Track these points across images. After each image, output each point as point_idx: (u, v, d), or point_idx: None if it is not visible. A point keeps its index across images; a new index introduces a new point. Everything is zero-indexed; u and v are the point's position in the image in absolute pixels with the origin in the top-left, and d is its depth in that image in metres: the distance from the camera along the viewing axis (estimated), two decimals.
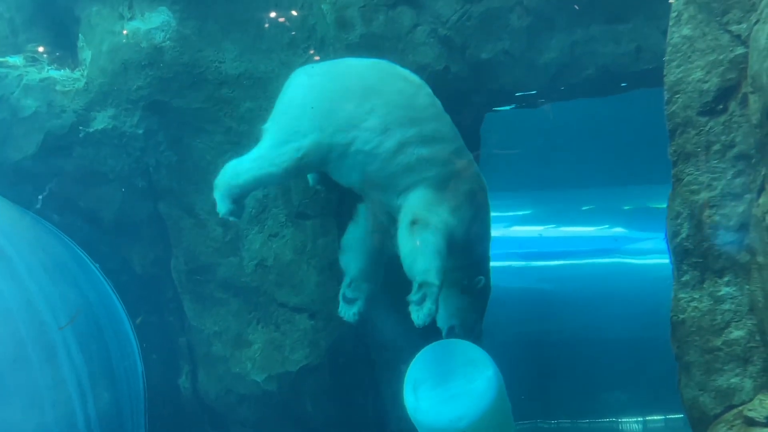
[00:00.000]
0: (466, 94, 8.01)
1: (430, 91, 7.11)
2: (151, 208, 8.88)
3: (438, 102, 7.08)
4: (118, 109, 8.57)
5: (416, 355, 6.83)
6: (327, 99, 7.03)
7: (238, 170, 7.16)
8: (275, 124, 7.23)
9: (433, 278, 6.45)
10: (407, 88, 7.06)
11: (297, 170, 7.17)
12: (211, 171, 8.47)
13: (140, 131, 8.59)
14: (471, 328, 7.20)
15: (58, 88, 8.68)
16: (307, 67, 7.53)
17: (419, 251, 6.59)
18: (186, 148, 8.59)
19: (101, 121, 8.62)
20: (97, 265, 8.63)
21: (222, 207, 7.21)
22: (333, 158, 6.98)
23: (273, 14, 8.33)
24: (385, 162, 6.85)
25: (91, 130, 8.64)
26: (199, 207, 8.65)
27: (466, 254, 7.01)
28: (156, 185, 8.79)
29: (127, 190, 8.81)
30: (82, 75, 8.71)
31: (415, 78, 7.18)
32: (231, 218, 7.31)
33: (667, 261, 5.85)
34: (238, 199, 7.21)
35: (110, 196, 8.85)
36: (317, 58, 7.99)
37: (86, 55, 8.71)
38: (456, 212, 6.79)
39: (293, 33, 8.28)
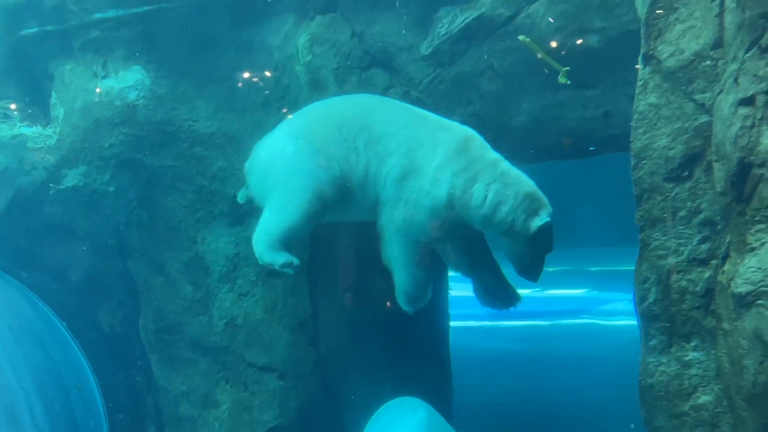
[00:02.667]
0: None
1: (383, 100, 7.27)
2: (121, 266, 8.83)
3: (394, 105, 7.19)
4: (89, 166, 8.56)
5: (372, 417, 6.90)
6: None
7: (268, 229, 7.10)
8: (279, 188, 7.21)
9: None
10: (361, 104, 7.21)
11: (318, 211, 7.11)
12: (183, 229, 8.50)
13: (111, 189, 8.57)
14: (528, 270, 7.01)
15: (29, 144, 8.67)
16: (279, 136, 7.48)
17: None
18: (157, 206, 8.58)
19: (72, 178, 8.60)
20: (64, 324, 8.53)
21: (279, 259, 6.96)
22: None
23: (247, 74, 8.41)
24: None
25: (61, 187, 8.61)
26: (169, 265, 8.61)
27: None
28: (126, 243, 8.75)
29: (97, 248, 8.77)
30: (54, 132, 8.71)
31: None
32: (289, 270, 7.03)
33: (635, 322, 5.89)
34: (286, 248, 7.06)
35: (79, 254, 8.80)
36: (290, 116, 8.03)
37: (59, 112, 8.72)
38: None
39: (267, 92, 8.34)
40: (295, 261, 6.96)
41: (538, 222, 6.54)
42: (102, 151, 8.49)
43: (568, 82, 6.93)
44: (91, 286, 8.90)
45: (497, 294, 7.33)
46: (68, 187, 8.62)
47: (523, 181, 6.68)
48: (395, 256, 6.97)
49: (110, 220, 8.68)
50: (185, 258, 8.56)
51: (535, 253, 6.75)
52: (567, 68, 6.91)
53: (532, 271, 6.87)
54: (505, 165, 6.76)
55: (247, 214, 8.41)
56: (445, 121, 7.07)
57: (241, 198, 7.83)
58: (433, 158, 6.78)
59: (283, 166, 7.10)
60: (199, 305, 8.56)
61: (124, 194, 8.58)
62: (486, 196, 6.61)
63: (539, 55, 7.08)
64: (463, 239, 7.09)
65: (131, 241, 8.72)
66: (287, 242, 7.04)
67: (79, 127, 8.54)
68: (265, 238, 7.04)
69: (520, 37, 7.10)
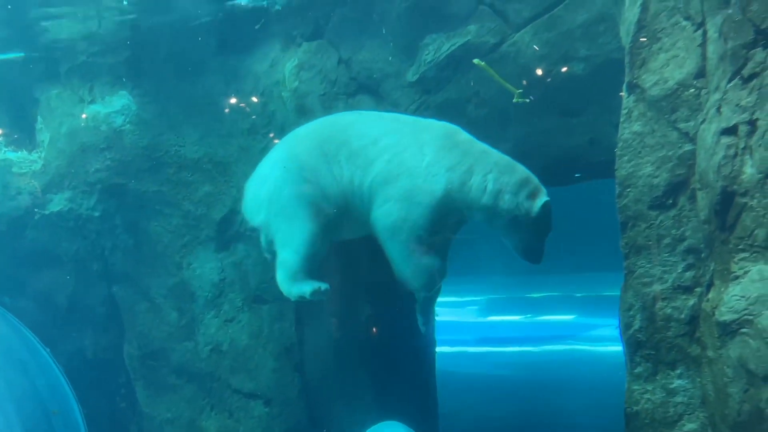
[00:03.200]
0: None
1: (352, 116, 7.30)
2: (105, 291, 8.79)
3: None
4: (74, 191, 8.54)
5: None
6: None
7: (286, 266, 7.05)
8: (279, 222, 7.20)
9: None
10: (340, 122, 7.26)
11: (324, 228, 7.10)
12: (168, 254, 8.48)
13: (97, 214, 8.55)
14: (533, 253, 6.99)
15: (14, 170, 8.65)
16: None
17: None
18: (143, 232, 8.57)
19: (57, 203, 8.59)
20: (48, 350, 8.46)
21: (306, 289, 6.96)
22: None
23: (233, 100, 8.42)
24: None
25: (46, 212, 8.59)
26: (154, 291, 8.58)
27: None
28: (111, 269, 8.72)
29: (81, 274, 8.73)
30: (39, 157, 8.70)
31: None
32: (322, 297, 7.03)
33: (621, 348, 5.89)
34: (310, 275, 7.05)
35: (64, 280, 8.76)
36: (276, 141, 8.06)
37: (44, 137, 8.71)
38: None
39: (253, 118, 8.36)
40: (323, 286, 6.95)
41: (539, 202, 6.63)
42: (87, 176, 8.48)
43: (527, 101, 6.91)
44: (75, 311, 8.84)
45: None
46: (53, 213, 8.60)
47: (516, 167, 6.75)
48: (396, 253, 6.89)
49: (95, 245, 8.65)
50: (170, 283, 8.54)
51: (538, 235, 6.81)
52: (520, 90, 6.89)
53: (536, 254, 6.92)
54: (495, 154, 6.82)
55: (233, 239, 8.40)
56: (422, 121, 7.10)
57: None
58: (422, 157, 6.78)
59: (275, 199, 7.10)
60: (185, 331, 8.52)
61: (110, 219, 8.56)
62: (486, 187, 6.66)
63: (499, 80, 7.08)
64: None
65: (116, 267, 8.69)
66: (308, 269, 7.03)
67: (65, 152, 8.53)
68: (285, 276, 7.05)
69: (475, 61, 7.12)
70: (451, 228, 7.04)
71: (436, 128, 6.98)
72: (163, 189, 8.44)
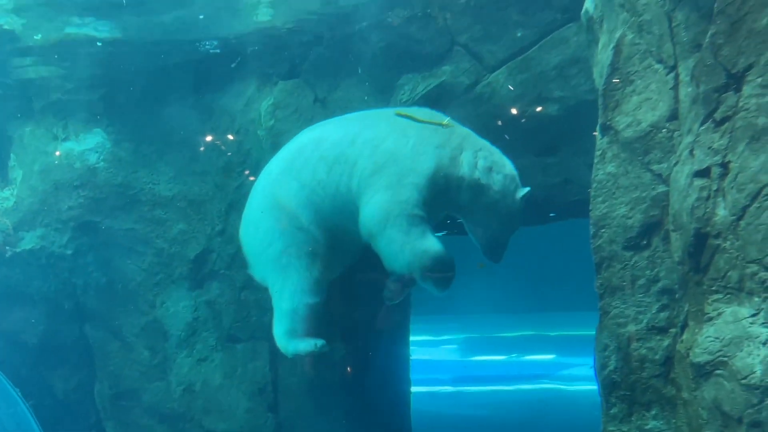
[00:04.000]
0: None
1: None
2: (77, 330, 8.70)
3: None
4: (47, 229, 8.49)
5: None
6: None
7: (281, 319, 7.01)
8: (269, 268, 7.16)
9: None
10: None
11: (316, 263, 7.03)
12: (141, 293, 8.41)
13: (69, 252, 8.48)
14: (496, 249, 7.03)
15: None
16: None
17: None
18: (115, 270, 8.50)
19: (29, 241, 8.52)
20: (17, 390, 8.31)
21: (304, 347, 6.94)
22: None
23: (209, 138, 8.41)
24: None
25: (18, 250, 8.51)
26: (126, 330, 8.50)
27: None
28: (83, 307, 8.64)
29: (53, 312, 8.64)
30: (11, 194, 8.63)
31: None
32: (320, 350, 6.96)
33: (596, 388, 5.87)
34: (308, 326, 6.96)
35: (35, 318, 8.67)
36: (252, 178, 8.03)
37: (17, 174, 8.65)
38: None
39: (229, 155, 8.35)
40: (319, 342, 6.89)
41: (523, 191, 6.71)
42: (60, 213, 8.42)
43: (451, 125, 6.80)
44: (46, 350, 8.73)
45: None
46: (25, 250, 8.52)
47: (495, 148, 6.81)
48: (391, 243, 6.63)
49: (67, 283, 8.57)
50: (143, 322, 8.46)
51: (509, 228, 6.86)
52: (447, 120, 6.83)
53: (499, 250, 6.96)
54: (473, 134, 6.82)
55: (207, 277, 8.36)
56: (396, 109, 7.04)
57: None
58: (407, 140, 6.66)
59: (267, 252, 7.04)
60: (157, 371, 8.43)
61: (82, 257, 8.50)
62: (476, 162, 6.65)
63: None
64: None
65: (88, 305, 8.61)
66: (306, 322, 6.93)
67: (38, 189, 8.48)
68: (282, 332, 6.98)
69: (395, 111, 6.98)
70: (439, 214, 6.97)
71: (413, 110, 6.98)
72: (137, 227, 8.39)
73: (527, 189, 6.71)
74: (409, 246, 6.57)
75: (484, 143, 6.80)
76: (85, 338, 8.66)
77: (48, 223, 8.47)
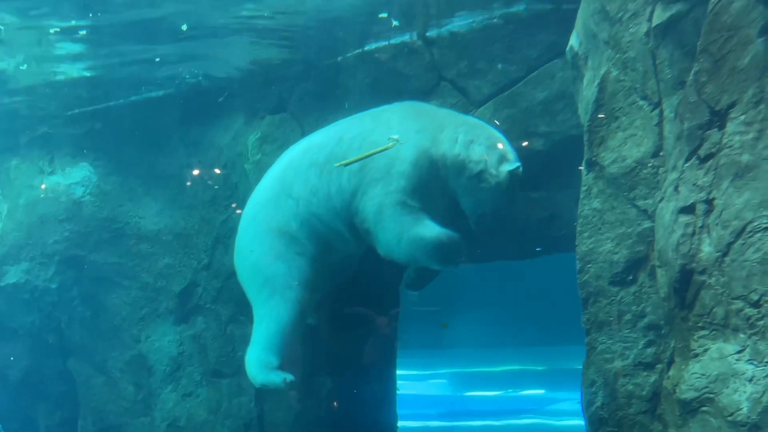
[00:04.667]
0: None
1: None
2: (61, 365, 8.63)
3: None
4: (32, 263, 8.44)
5: None
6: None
7: (260, 341, 6.98)
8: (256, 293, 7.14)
9: None
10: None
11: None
12: (126, 327, 8.36)
13: (54, 286, 8.44)
14: (484, 222, 6.92)
15: None
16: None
17: None
18: (100, 304, 8.46)
19: (14, 275, 8.47)
20: (0, 425, 8.25)
21: (273, 379, 6.94)
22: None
23: (195, 171, 8.40)
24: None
25: (2, 284, 8.48)
26: (110, 364, 8.43)
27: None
28: (67, 341, 8.57)
29: (37, 347, 8.58)
30: None
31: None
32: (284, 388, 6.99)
33: (583, 423, 5.85)
34: (281, 357, 6.96)
35: (18, 353, 8.61)
36: (239, 211, 8.02)
37: (2, 208, 8.63)
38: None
39: (215, 189, 8.34)
40: (289, 377, 6.87)
41: (507, 167, 6.61)
42: (45, 247, 8.39)
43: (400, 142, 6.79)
44: (29, 385, 8.66)
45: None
46: (9, 284, 8.48)
47: (488, 126, 6.76)
48: (387, 233, 6.65)
49: (51, 317, 8.52)
50: (128, 357, 8.40)
51: (499, 203, 6.74)
52: (395, 138, 6.79)
53: (489, 224, 6.81)
54: (464, 115, 6.83)
55: (192, 311, 8.31)
56: (381, 107, 7.06)
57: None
58: (390, 131, 6.69)
59: (260, 276, 7.06)
60: (141, 406, 8.35)
61: (67, 291, 8.45)
62: (457, 138, 6.65)
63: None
64: None
65: (72, 340, 8.54)
66: (281, 354, 6.93)
67: (23, 223, 8.45)
68: (256, 358, 6.95)
69: (341, 163, 6.89)
70: (438, 198, 6.85)
71: (396, 105, 7.01)
72: (122, 261, 8.35)
73: (513, 166, 6.61)
74: (405, 235, 6.60)
75: (468, 119, 6.84)
76: (69, 373, 8.58)
77: (33, 256, 8.42)
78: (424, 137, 6.67)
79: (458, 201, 6.94)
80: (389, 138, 6.62)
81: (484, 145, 6.66)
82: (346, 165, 6.63)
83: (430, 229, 6.61)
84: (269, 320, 6.98)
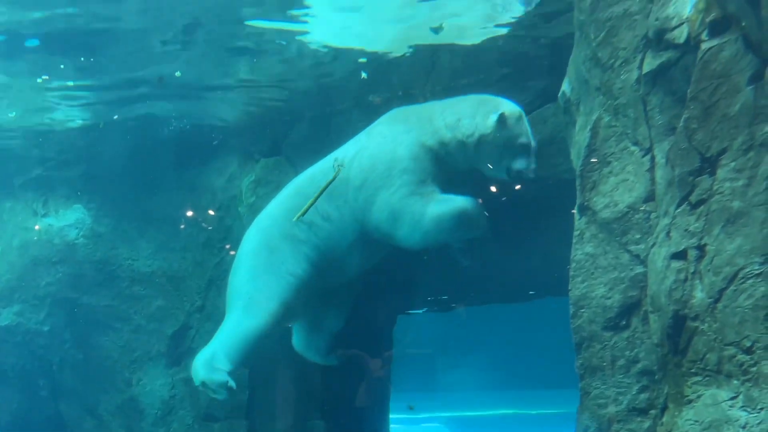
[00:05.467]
0: (380, 296, 8.08)
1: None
2: (52, 408, 8.56)
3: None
4: (24, 305, 8.42)
5: None
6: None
7: (225, 333, 6.89)
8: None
9: None
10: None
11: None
12: (118, 370, 8.30)
13: (46, 328, 8.41)
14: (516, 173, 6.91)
15: None
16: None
17: None
18: (92, 346, 8.42)
19: (5, 317, 8.44)
20: None
21: (216, 377, 6.68)
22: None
23: (189, 214, 8.41)
24: None
25: None
26: (102, 407, 8.37)
27: None
28: (58, 384, 8.52)
29: (27, 390, 8.51)
30: None
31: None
32: (222, 394, 6.73)
33: None
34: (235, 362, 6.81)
35: (8, 396, 8.53)
36: (232, 252, 8.02)
37: None
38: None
39: (209, 232, 8.34)
40: (232, 383, 6.66)
41: (493, 117, 6.72)
42: (38, 289, 8.36)
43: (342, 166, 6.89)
44: (19, 428, 8.57)
45: None
46: (1, 327, 8.43)
47: (469, 97, 6.92)
48: (407, 228, 6.79)
49: (43, 360, 8.47)
50: (119, 400, 8.34)
51: (510, 150, 6.76)
52: (338, 164, 6.90)
53: (519, 174, 6.84)
54: (444, 100, 7.00)
55: (185, 354, 8.26)
56: (371, 124, 7.21)
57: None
58: (383, 139, 6.92)
59: (238, 280, 7.08)
60: None
61: (59, 334, 8.42)
62: (444, 123, 6.82)
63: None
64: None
65: (64, 383, 8.49)
66: (237, 356, 6.76)
67: (16, 265, 8.43)
68: (208, 354, 6.76)
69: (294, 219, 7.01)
70: (454, 181, 6.97)
71: (384, 116, 7.17)
72: (115, 303, 8.33)
73: (498, 113, 6.73)
74: (424, 220, 6.74)
75: (449, 101, 7.00)
76: (60, 416, 8.52)
77: (25, 299, 8.40)
78: (415, 134, 6.88)
79: (486, 172, 7.03)
80: (333, 165, 6.81)
81: (469, 116, 6.82)
82: (302, 215, 6.73)
83: (446, 203, 6.77)
84: (235, 327, 6.92)
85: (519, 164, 6.79)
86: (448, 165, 6.89)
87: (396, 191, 6.81)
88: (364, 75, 7.65)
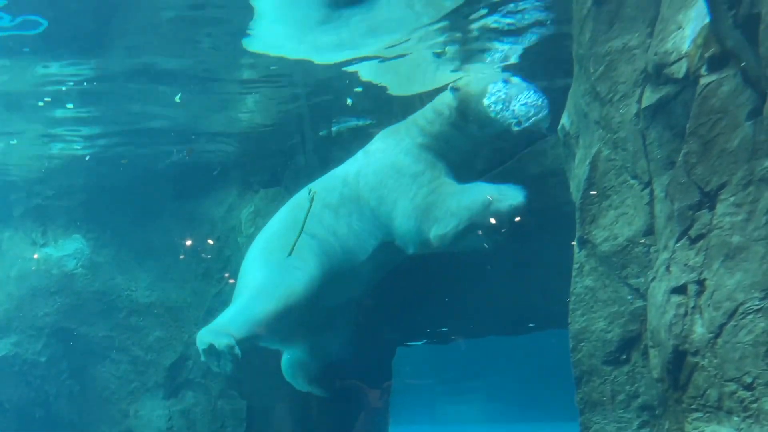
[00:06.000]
0: (378, 329, 8.05)
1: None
2: None
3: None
4: (22, 335, 8.39)
5: None
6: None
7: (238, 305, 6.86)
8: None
9: None
10: None
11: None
12: (115, 401, 8.25)
13: (43, 359, 8.36)
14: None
15: None
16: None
17: None
18: (90, 377, 8.36)
19: (2, 348, 8.42)
20: None
21: (228, 341, 6.41)
22: None
23: (188, 244, 8.40)
24: None
25: None
26: None
27: None
28: (55, 416, 8.45)
29: (24, 421, 8.45)
30: None
31: None
32: (227, 365, 6.41)
33: None
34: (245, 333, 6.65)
35: (4, 427, 8.46)
36: (232, 281, 7.99)
37: None
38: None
39: (208, 262, 8.32)
40: (238, 350, 6.37)
41: (449, 91, 7.05)
42: (36, 320, 8.34)
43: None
44: None
45: None
46: None
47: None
48: (443, 212, 6.90)
49: (40, 391, 8.42)
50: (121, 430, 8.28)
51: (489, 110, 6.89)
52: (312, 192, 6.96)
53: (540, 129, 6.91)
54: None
55: (182, 385, 8.22)
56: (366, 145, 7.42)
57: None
58: (382, 157, 7.17)
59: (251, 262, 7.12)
60: None
61: (56, 364, 8.37)
62: (425, 118, 7.13)
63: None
64: None
65: (60, 414, 8.44)
66: (244, 329, 6.58)
67: (14, 295, 8.41)
68: (216, 324, 6.61)
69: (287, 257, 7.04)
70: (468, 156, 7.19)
71: (376, 136, 7.40)
72: (113, 334, 8.30)
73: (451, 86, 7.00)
74: (452, 211, 6.88)
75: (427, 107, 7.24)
76: None
77: (23, 329, 8.37)
78: (408, 140, 7.14)
79: (491, 145, 7.32)
80: (308, 194, 6.98)
81: (438, 102, 7.12)
82: (293, 250, 6.75)
83: (468, 192, 6.93)
84: (243, 307, 6.82)
85: (517, 114, 6.82)
86: (456, 150, 7.12)
87: (415, 196, 6.99)
88: (349, 101, 7.70)
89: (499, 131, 6.91)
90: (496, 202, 6.87)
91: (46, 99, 7.30)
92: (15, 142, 7.89)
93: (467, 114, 6.98)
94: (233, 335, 6.46)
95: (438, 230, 6.94)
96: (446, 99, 7.08)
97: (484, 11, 6.40)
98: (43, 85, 7.05)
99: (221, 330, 6.53)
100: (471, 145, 7.18)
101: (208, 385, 7.93)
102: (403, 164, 7.07)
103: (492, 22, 6.57)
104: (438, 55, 7.19)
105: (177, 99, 7.41)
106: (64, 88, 7.10)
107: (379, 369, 7.76)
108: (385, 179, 7.08)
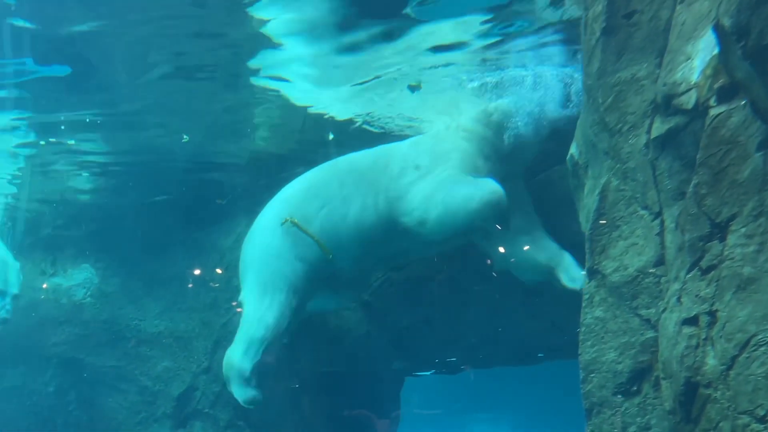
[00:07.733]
0: (387, 359, 8.03)
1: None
2: None
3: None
4: (29, 365, 8.37)
5: None
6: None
7: (252, 336, 6.92)
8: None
9: None
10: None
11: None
12: None
13: (51, 389, 8.36)
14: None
15: None
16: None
17: None
18: (98, 408, 8.35)
19: (11, 378, 8.40)
20: None
21: (247, 393, 6.78)
22: None
23: (197, 273, 8.40)
24: None
25: None
26: None
27: None
28: None
29: None
30: None
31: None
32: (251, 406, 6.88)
33: None
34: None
35: None
36: (239, 310, 7.98)
37: None
38: None
39: (217, 287, 8.33)
40: (259, 396, 6.73)
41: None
42: (44, 350, 8.34)
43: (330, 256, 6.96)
44: None
45: None
46: (5, 388, 8.38)
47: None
48: (452, 204, 6.91)
49: (47, 422, 8.40)
50: None
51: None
52: (331, 255, 6.98)
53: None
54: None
55: (191, 416, 8.19)
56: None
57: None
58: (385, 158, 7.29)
59: (256, 259, 7.24)
60: None
61: (64, 395, 8.35)
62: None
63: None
64: None
65: None
66: (257, 353, 6.81)
67: (22, 325, 8.40)
68: (237, 361, 6.78)
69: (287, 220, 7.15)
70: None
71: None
72: (121, 364, 8.30)
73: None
74: (471, 196, 6.89)
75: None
76: None
77: (31, 360, 8.37)
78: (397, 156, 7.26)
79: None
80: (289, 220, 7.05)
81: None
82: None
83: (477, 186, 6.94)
84: (255, 322, 6.97)
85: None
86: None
87: (443, 178, 6.99)
88: (331, 136, 7.76)
89: None
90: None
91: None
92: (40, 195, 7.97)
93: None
94: (249, 372, 6.78)
95: (441, 219, 6.96)
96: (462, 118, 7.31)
97: None
98: None
99: (241, 374, 6.79)
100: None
101: (217, 415, 7.91)
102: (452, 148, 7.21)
103: None
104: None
105: (185, 139, 7.50)
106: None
107: (387, 399, 7.71)
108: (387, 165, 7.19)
